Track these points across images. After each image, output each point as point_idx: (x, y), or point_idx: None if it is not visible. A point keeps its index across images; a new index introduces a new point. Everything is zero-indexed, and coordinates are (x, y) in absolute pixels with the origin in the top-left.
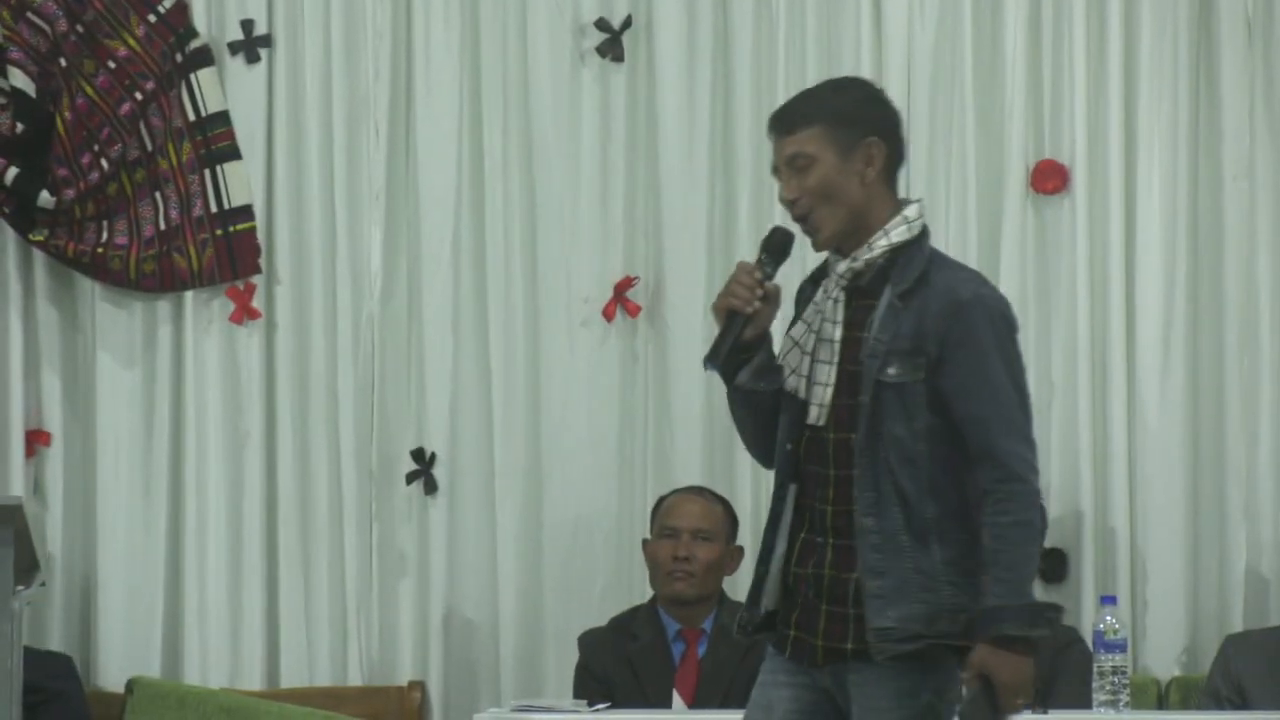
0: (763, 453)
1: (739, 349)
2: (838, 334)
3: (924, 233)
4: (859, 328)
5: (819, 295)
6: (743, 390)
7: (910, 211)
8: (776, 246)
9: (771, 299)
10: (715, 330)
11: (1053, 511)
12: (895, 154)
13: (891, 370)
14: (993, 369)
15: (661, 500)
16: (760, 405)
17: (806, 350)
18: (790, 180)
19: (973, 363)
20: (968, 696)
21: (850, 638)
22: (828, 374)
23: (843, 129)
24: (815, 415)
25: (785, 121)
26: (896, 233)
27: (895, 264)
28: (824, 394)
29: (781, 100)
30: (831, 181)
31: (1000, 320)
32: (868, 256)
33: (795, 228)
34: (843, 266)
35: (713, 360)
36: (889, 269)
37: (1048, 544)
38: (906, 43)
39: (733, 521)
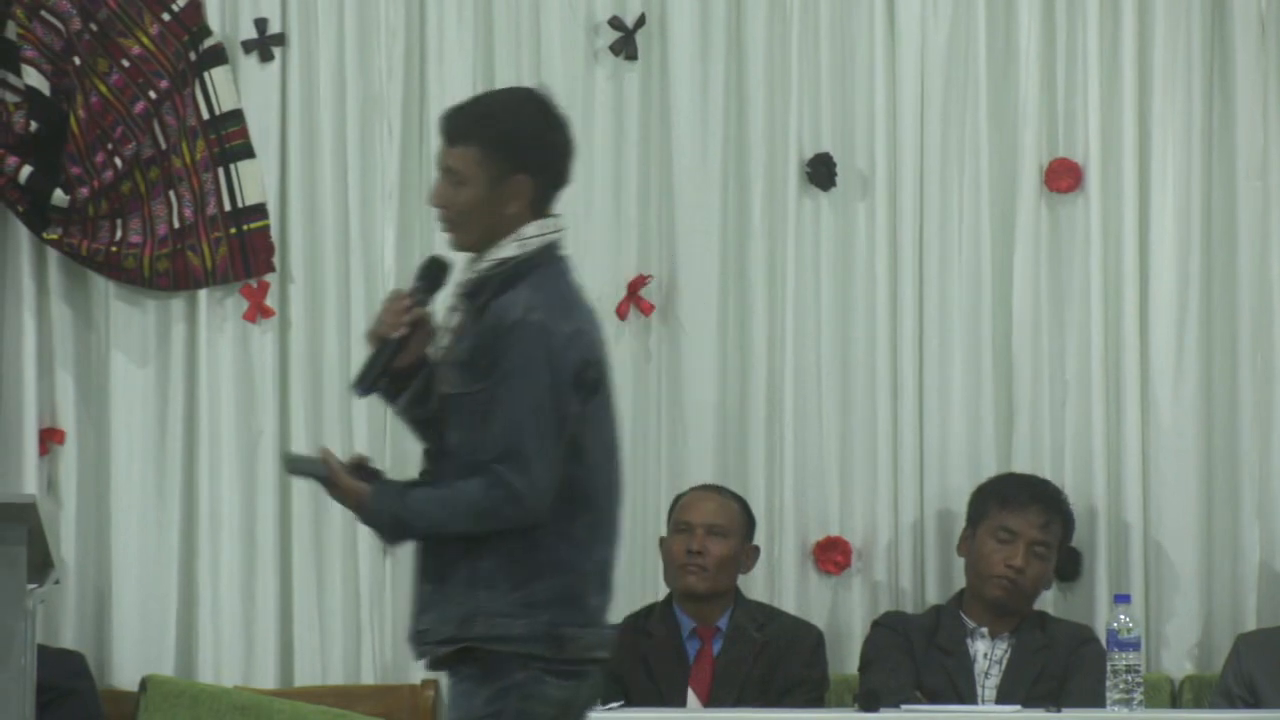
0: None
1: (389, 375)
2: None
3: (540, 250)
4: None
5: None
6: (401, 417)
7: (529, 229)
8: (430, 274)
9: (421, 326)
10: (723, 327)
11: None
12: (549, 185)
13: (451, 381)
14: (511, 393)
15: (679, 498)
16: (430, 428)
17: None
18: (442, 189)
19: (496, 382)
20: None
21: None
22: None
23: (498, 159)
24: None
25: (450, 130)
26: (508, 249)
27: (493, 279)
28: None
29: (795, 102)
30: (476, 206)
31: (538, 346)
32: (479, 268)
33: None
34: (462, 277)
35: (360, 386)
36: (491, 281)
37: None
38: (920, 41)
39: (749, 520)
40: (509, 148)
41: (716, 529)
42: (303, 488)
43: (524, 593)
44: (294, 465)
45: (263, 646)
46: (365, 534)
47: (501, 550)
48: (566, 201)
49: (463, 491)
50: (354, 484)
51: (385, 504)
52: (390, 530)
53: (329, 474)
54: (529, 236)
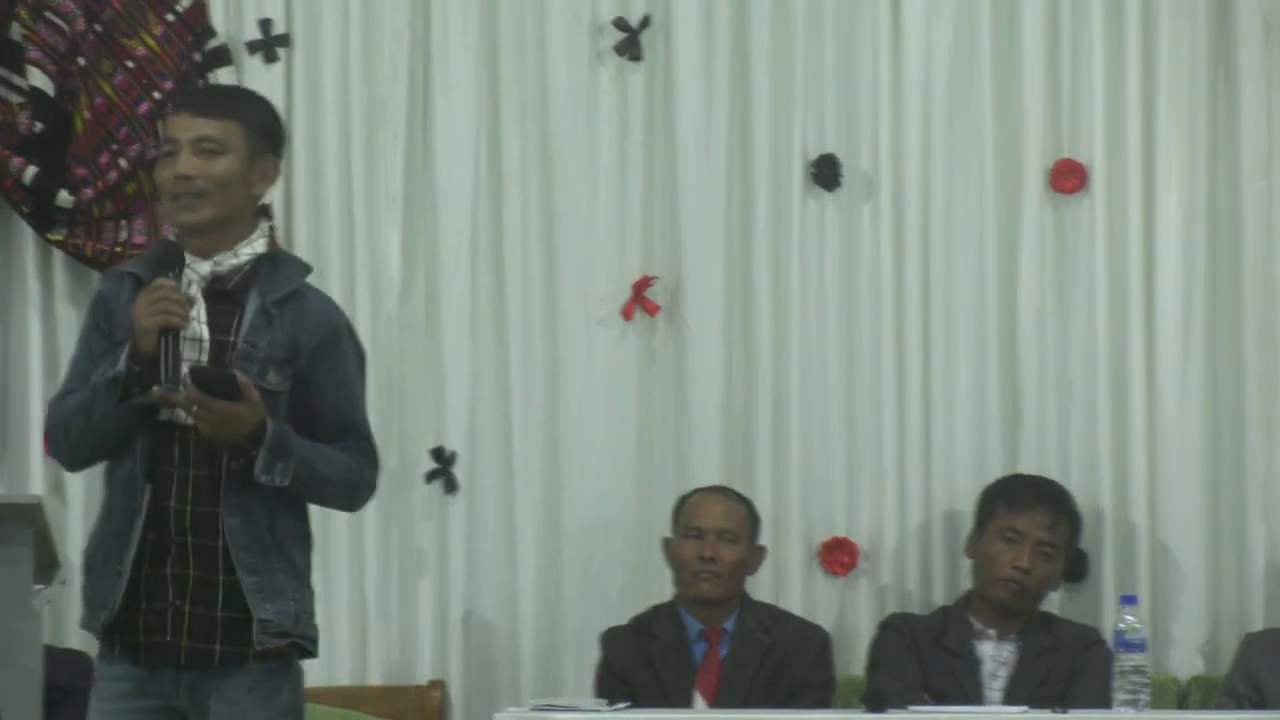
0: (90, 458)
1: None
2: (205, 334)
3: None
4: (223, 331)
5: None
6: (140, 405)
7: (264, 226)
8: (174, 260)
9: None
10: (728, 328)
11: None
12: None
13: (271, 378)
14: (361, 390)
15: (684, 499)
16: (135, 415)
17: None
18: (192, 159)
19: (349, 376)
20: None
21: (219, 639)
22: None
23: (256, 137)
24: (181, 414)
25: (204, 105)
26: (260, 244)
27: (260, 273)
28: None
29: (800, 103)
30: (232, 177)
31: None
32: (233, 262)
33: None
34: (205, 268)
35: (174, 382)
36: (253, 277)
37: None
38: (924, 41)
39: (756, 521)
40: (266, 129)
41: (727, 534)
42: None
43: (310, 592)
44: (202, 378)
45: None
46: (371, 534)
47: (308, 547)
48: (572, 202)
49: (342, 459)
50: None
51: (289, 434)
52: (287, 460)
53: (242, 386)
54: (266, 234)
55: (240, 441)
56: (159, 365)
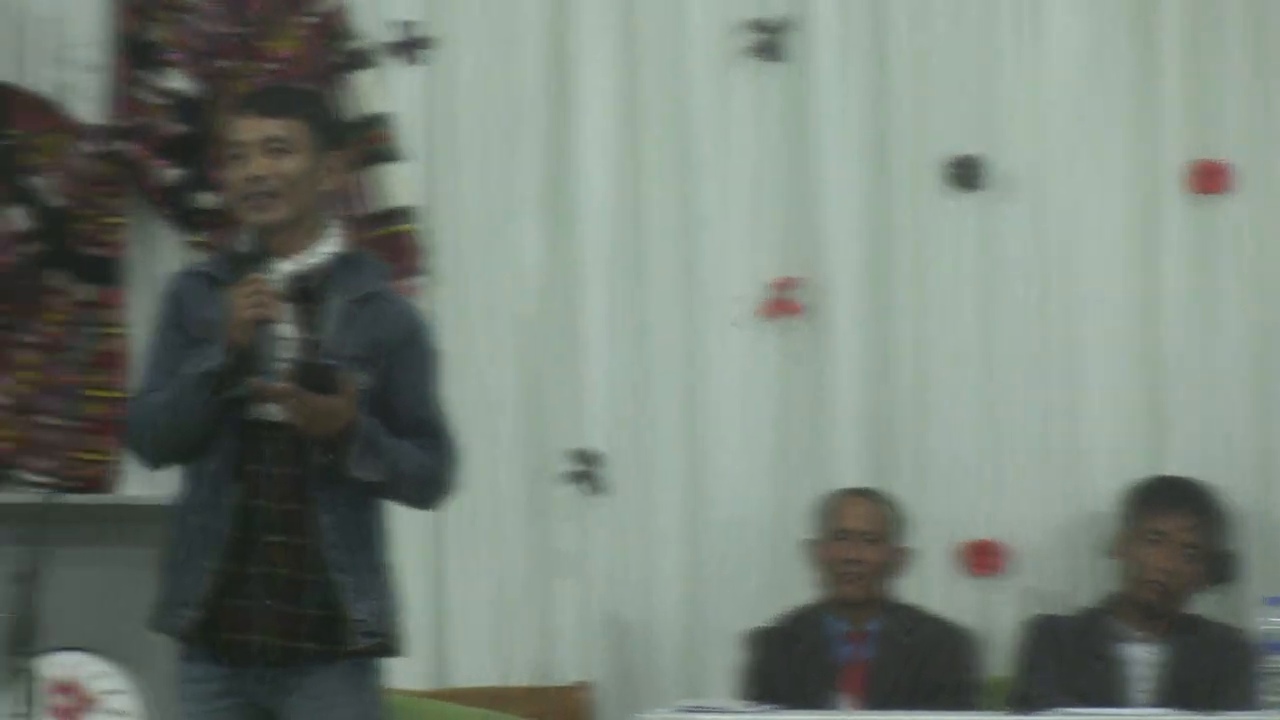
0: (173, 456)
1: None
2: (290, 333)
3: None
4: (307, 330)
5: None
6: (230, 399)
7: (336, 223)
8: (260, 256)
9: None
10: (868, 328)
11: None
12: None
13: (360, 377)
14: (440, 387)
15: (828, 500)
16: (225, 410)
17: None
18: (261, 160)
19: (430, 373)
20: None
21: (310, 636)
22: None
23: (320, 134)
24: (272, 411)
25: (268, 105)
26: (335, 242)
27: (337, 272)
28: None
29: (941, 101)
30: (302, 175)
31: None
32: (312, 261)
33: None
34: (285, 267)
35: (271, 374)
36: (331, 276)
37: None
38: (1064, 40)
39: (899, 522)
40: (328, 125)
41: (871, 535)
42: None
43: (396, 589)
44: (303, 372)
45: (415, 648)
46: (513, 534)
47: (389, 545)
48: (711, 203)
49: (421, 456)
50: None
51: (379, 429)
52: (379, 455)
53: (340, 380)
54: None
55: (333, 437)
56: (252, 359)
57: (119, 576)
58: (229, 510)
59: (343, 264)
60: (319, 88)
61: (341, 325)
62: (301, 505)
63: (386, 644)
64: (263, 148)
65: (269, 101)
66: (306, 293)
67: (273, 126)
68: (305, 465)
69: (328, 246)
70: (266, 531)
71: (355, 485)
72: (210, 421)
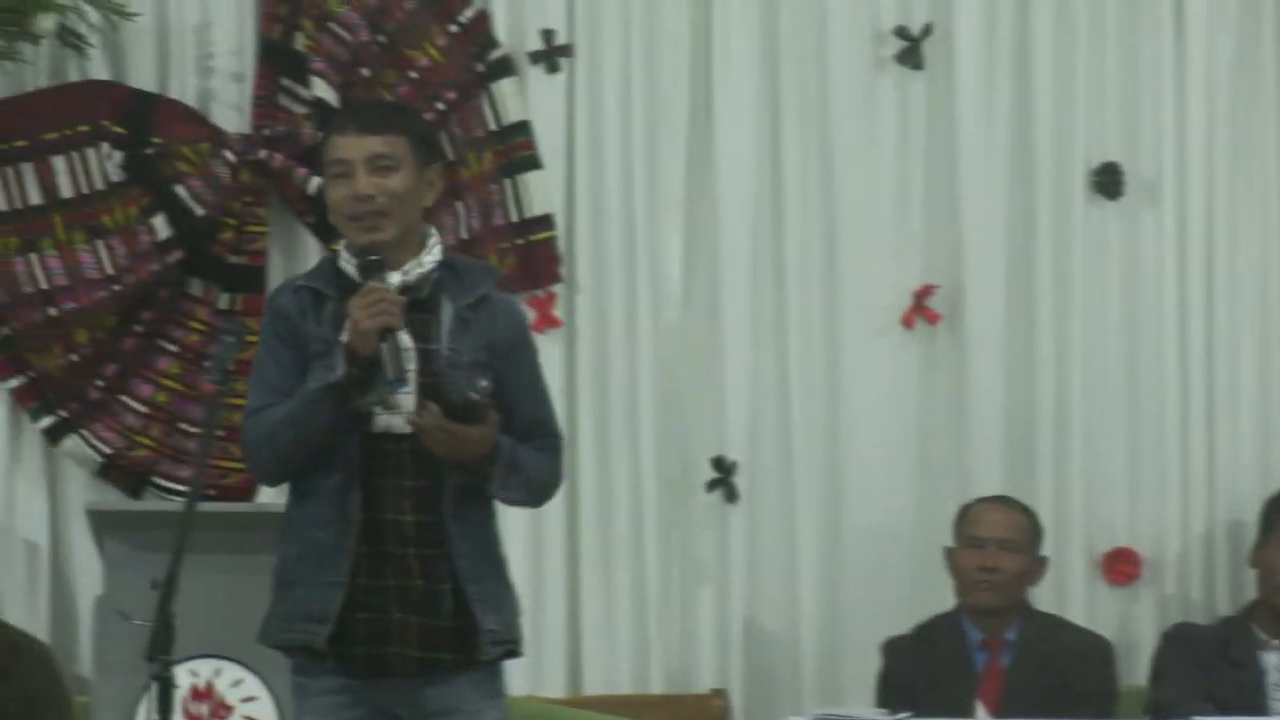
0: (292, 471)
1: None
2: (409, 343)
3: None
4: (425, 339)
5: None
6: (355, 411)
7: (435, 232)
8: (377, 267)
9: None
10: (1009, 336)
11: None
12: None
13: (483, 384)
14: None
15: (967, 508)
16: (349, 423)
17: None
18: (367, 178)
19: (536, 374)
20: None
21: (445, 647)
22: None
23: (421, 149)
24: (399, 424)
25: (369, 123)
26: (439, 250)
27: (444, 279)
28: (409, 403)
29: (1083, 111)
30: (407, 191)
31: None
32: (420, 271)
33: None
34: (395, 279)
35: (400, 382)
36: (442, 283)
37: None
38: (1207, 47)
39: (1038, 531)
40: (427, 141)
41: (1009, 543)
42: (590, 497)
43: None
44: (449, 406)
45: (551, 656)
46: (652, 542)
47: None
48: (852, 211)
49: (542, 460)
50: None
51: (516, 447)
52: (518, 474)
53: (484, 410)
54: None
55: (477, 462)
56: (374, 370)
57: (257, 584)
58: (356, 525)
59: (448, 271)
60: (408, 106)
61: (457, 332)
62: (429, 516)
63: (513, 650)
64: (368, 166)
65: (369, 119)
66: (418, 303)
67: (376, 144)
68: (432, 477)
69: (432, 255)
70: (396, 544)
71: (478, 497)
72: (333, 435)
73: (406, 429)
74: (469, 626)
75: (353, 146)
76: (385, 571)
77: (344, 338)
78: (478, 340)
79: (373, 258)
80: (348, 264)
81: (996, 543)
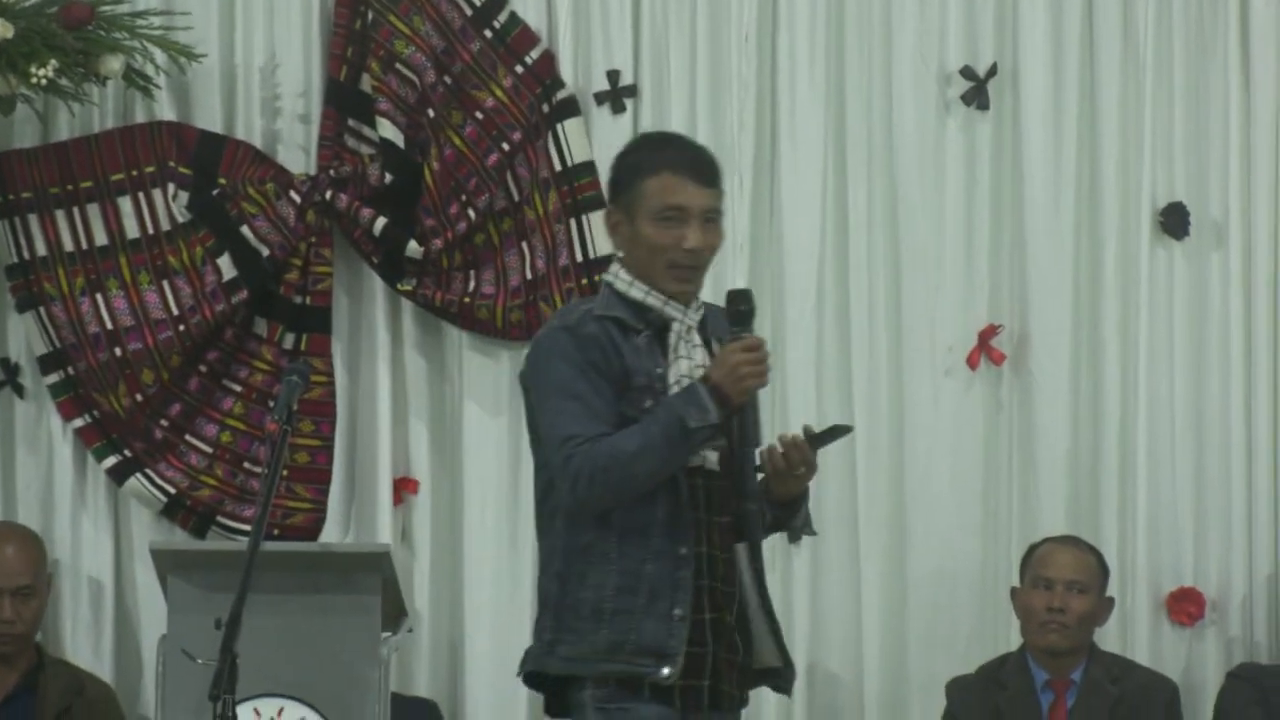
0: (621, 502)
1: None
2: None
3: None
4: None
5: (674, 340)
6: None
7: None
8: (749, 316)
9: None
10: (1075, 377)
11: None
12: None
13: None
14: None
15: (1034, 549)
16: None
17: None
18: (700, 231)
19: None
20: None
21: (750, 683)
22: None
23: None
24: (713, 460)
25: (707, 175)
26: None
27: (710, 319)
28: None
29: (1149, 152)
30: (720, 242)
31: None
32: (701, 312)
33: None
34: (695, 317)
35: (755, 442)
36: (708, 322)
37: None
38: (1275, 88)
39: (1105, 572)
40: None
41: (1077, 585)
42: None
43: None
44: (816, 441)
45: None
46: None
47: None
48: (918, 251)
49: None
50: None
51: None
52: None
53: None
54: None
55: (798, 496)
56: (733, 416)
57: (323, 624)
58: (689, 559)
59: (708, 310)
60: None
61: None
62: (728, 553)
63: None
64: (702, 218)
65: (706, 171)
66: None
67: (712, 198)
68: (734, 513)
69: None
70: (707, 578)
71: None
72: (675, 470)
73: (716, 466)
74: (785, 661)
75: (692, 196)
76: (709, 605)
77: (699, 373)
78: None
79: (744, 307)
80: (651, 296)
81: (1065, 584)
